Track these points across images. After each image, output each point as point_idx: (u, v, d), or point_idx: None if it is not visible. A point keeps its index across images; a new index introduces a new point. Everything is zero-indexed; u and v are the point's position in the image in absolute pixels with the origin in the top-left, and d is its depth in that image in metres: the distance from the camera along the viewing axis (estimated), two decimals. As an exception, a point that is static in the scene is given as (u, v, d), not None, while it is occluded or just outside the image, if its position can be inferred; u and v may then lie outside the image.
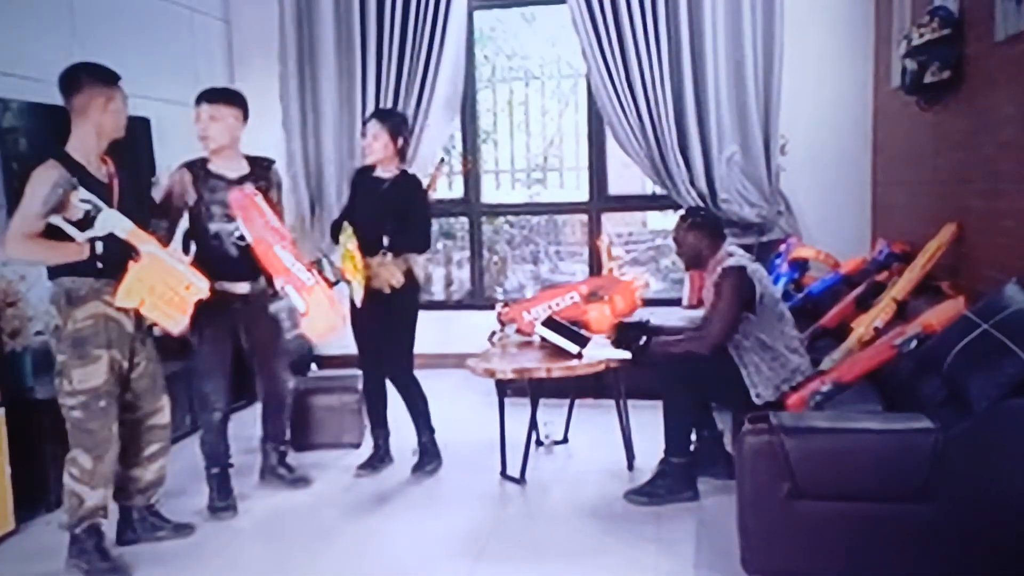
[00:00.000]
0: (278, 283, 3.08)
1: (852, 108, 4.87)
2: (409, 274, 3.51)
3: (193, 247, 3.29)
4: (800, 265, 4.44)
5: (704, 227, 3.25)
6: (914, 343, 2.68)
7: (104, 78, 2.82)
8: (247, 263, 3.18)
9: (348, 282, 3.43)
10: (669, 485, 3.16)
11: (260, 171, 3.37)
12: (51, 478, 2.98)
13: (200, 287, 2.75)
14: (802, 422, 2.49)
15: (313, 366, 5.46)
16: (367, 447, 3.82)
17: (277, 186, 3.45)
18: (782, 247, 4.59)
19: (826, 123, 4.90)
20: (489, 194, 6.16)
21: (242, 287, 3.28)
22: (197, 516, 3.25)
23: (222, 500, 3.32)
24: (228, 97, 3.30)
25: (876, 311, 3.30)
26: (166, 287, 2.67)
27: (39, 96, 3.66)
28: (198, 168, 3.27)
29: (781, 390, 2.99)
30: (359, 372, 3.91)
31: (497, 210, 6.52)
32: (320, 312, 3.02)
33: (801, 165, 4.91)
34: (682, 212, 3.54)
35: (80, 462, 2.77)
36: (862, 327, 3.23)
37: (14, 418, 3.09)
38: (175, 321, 2.74)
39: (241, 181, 3.25)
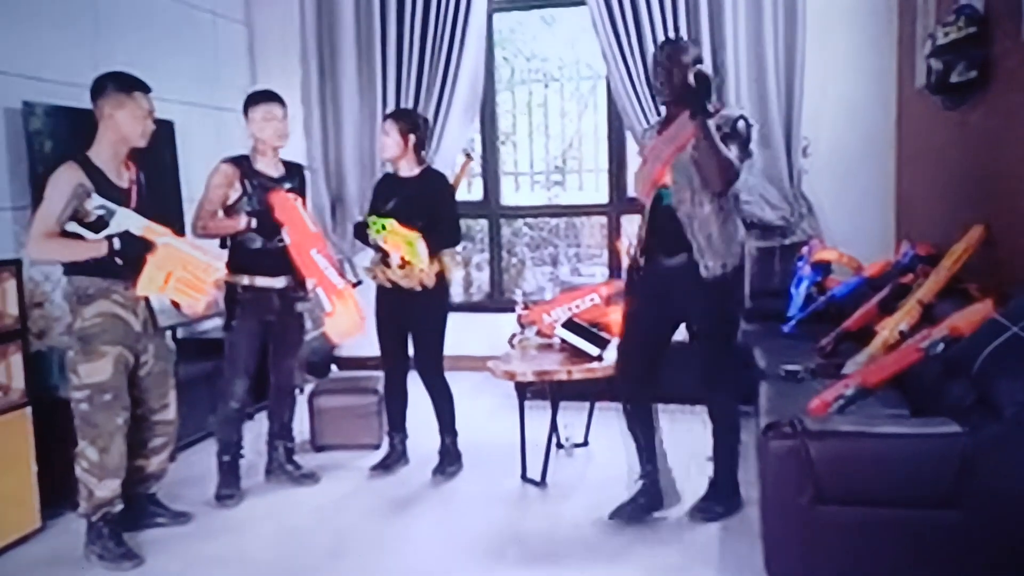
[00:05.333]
0: (310, 284, 3.26)
1: (875, 109, 4.83)
2: (440, 274, 3.52)
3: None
4: (823, 267, 4.39)
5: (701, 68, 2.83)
6: (941, 346, 2.64)
7: (123, 86, 2.90)
8: (282, 258, 3.31)
9: (407, 263, 3.42)
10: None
11: (296, 173, 3.52)
12: (76, 477, 3.02)
13: (216, 267, 2.88)
14: (827, 426, 2.46)
15: (333, 367, 5.49)
16: (386, 448, 3.82)
17: (304, 190, 3.58)
18: (804, 249, 4.55)
19: (849, 124, 4.86)
20: (508, 196, 6.15)
21: (280, 281, 3.40)
22: (205, 505, 3.38)
23: (227, 488, 3.44)
24: (279, 98, 3.45)
25: (901, 314, 3.26)
26: (185, 272, 2.80)
27: (64, 99, 3.71)
28: (245, 165, 3.37)
29: (725, 267, 2.92)
30: (378, 374, 3.93)
31: (516, 212, 6.52)
32: (345, 314, 3.13)
33: (824, 167, 4.87)
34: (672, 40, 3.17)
35: (87, 454, 2.88)
36: (887, 330, 3.18)
37: (40, 417, 3.14)
38: (195, 301, 2.87)
39: (281, 181, 3.40)
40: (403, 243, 3.37)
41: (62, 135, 3.66)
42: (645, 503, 3.10)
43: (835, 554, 2.39)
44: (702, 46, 4.74)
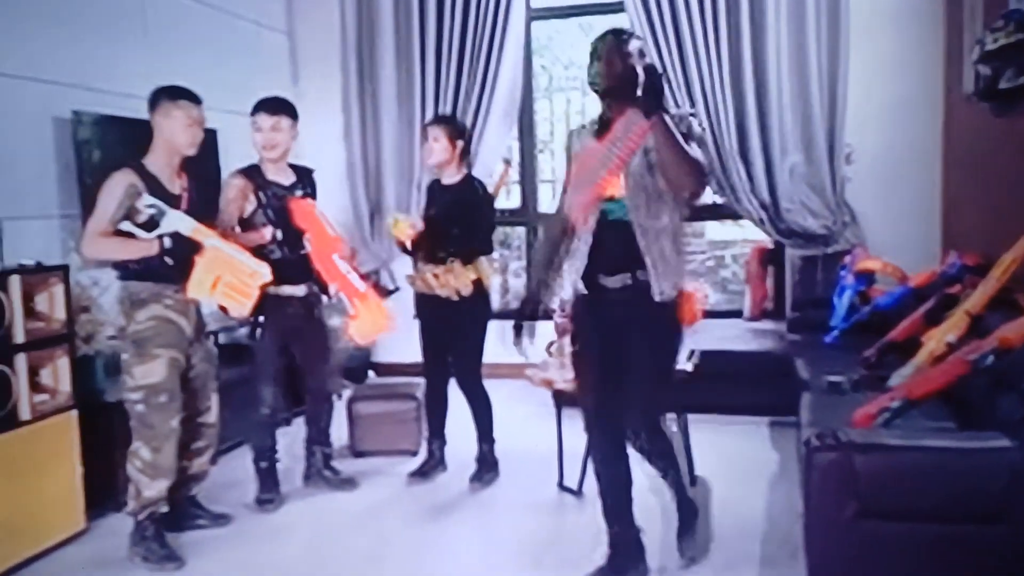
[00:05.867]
0: (332, 288, 3.29)
1: (921, 115, 4.73)
2: (478, 282, 3.53)
3: None
4: (866, 277, 4.32)
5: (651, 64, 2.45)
6: (991, 359, 2.57)
7: (172, 96, 3.00)
8: (302, 266, 3.33)
9: (400, 239, 3.54)
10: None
11: (306, 178, 3.50)
12: (120, 478, 3.10)
13: (262, 272, 2.94)
14: (873, 439, 2.41)
15: (371, 373, 5.52)
16: (424, 455, 3.83)
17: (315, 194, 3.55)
18: (847, 258, 4.48)
19: (894, 130, 4.77)
20: (546, 204, 6.15)
21: (300, 290, 3.41)
22: (245, 508, 3.44)
23: (266, 493, 3.48)
24: (287, 107, 3.42)
25: (948, 325, 3.18)
26: (232, 276, 2.87)
27: (112, 109, 3.79)
28: (256, 175, 3.36)
29: (677, 287, 2.57)
30: (418, 380, 3.95)
31: (553, 219, 6.52)
32: (368, 316, 3.18)
33: (867, 174, 4.79)
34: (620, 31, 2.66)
35: (141, 454, 2.96)
36: (933, 341, 3.12)
37: (86, 420, 3.21)
38: (242, 305, 2.93)
39: (293, 188, 3.40)
40: (400, 229, 3.45)
41: (110, 144, 3.74)
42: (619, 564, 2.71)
43: (879, 570, 2.34)
44: (743, 51, 4.71)
